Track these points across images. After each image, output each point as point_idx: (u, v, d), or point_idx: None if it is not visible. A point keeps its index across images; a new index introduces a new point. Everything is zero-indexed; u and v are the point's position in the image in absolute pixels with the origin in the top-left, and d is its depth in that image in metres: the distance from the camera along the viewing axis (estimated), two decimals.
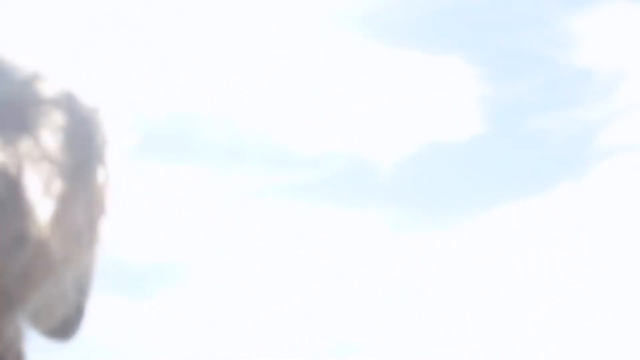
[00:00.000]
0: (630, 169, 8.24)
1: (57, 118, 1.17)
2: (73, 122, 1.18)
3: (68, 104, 1.21)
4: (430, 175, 8.66)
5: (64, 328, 1.16)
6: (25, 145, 1.17)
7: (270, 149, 8.23)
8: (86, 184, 1.18)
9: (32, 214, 1.06)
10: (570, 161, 8.53)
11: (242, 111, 8.10)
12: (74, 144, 1.17)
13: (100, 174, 1.19)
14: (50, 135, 1.16)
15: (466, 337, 7.32)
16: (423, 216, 8.45)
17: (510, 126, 8.74)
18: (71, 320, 1.17)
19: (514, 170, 8.65)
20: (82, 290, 1.21)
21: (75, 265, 1.14)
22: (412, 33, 8.63)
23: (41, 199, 1.11)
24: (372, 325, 7.13)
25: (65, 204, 1.10)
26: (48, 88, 1.25)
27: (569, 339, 7.09)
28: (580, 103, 8.45)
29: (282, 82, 7.84)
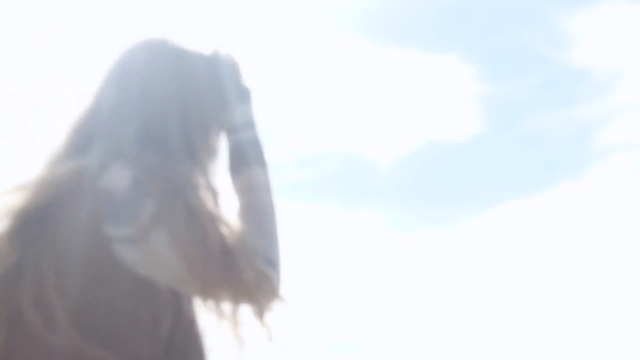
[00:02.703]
0: (629, 167, 8.25)
1: None
2: None
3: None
4: (429, 174, 8.67)
5: None
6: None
7: (270, 148, 8.22)
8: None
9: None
10: (569, 160, 8.54)
11: None
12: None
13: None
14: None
15: (465, 335, 7.33)
16: (421, 215, 8.45)
17: (508, 125, 8.75)
18: None
19: (513, 170, 8.66)
20: None
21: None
22: (410, 33, 8.64)
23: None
24: (372, 324, 7.14)
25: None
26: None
27: (569, 337, 7.10)
28: (579, 102, 8.47)
29: (281, 81, 7.84)
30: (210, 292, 1.43)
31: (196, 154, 1.51)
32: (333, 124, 8.26)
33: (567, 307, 7.41)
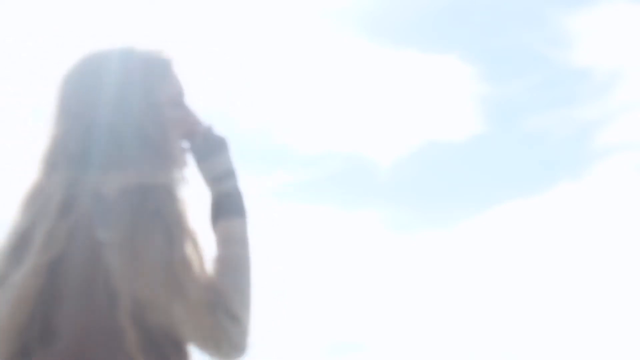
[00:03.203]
0: (629, 167, 8.26)
1: None
2: None
3: None
4: (429, 174, 8.68)
5: None
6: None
7: (270, 148, 8.24)
8: None
9: None
10: (569, 160, 8.55)
11: (242, 110, 8.12)
12: None
13: None
14: None
15: (465, 335, 7.34)
16: (421, 215, 8.47)
17: (508, 125, 8.76)
18: None
19: (513, 170, 8.67)
20: None
21: None
22: (409, 33, 8.66)
23: None
24: (372, 324, 7.15)
25: None
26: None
27: (569, 337, 7.11)
28: (579, 102, 8.48)
29: (282, 81, 7.85)
30: (168, 317, 1.41)
31: (182, 167, 1.52)
32: (333, 124, 8.27)
33: (567, 306, 7.42)
